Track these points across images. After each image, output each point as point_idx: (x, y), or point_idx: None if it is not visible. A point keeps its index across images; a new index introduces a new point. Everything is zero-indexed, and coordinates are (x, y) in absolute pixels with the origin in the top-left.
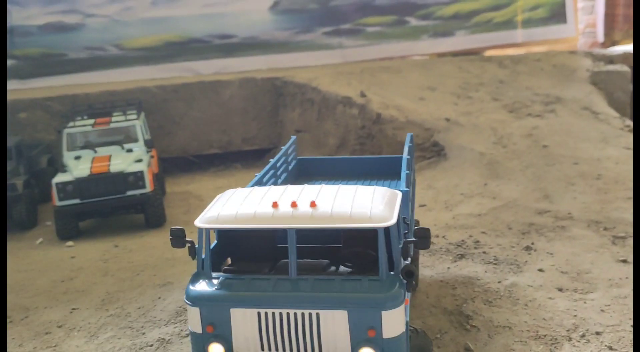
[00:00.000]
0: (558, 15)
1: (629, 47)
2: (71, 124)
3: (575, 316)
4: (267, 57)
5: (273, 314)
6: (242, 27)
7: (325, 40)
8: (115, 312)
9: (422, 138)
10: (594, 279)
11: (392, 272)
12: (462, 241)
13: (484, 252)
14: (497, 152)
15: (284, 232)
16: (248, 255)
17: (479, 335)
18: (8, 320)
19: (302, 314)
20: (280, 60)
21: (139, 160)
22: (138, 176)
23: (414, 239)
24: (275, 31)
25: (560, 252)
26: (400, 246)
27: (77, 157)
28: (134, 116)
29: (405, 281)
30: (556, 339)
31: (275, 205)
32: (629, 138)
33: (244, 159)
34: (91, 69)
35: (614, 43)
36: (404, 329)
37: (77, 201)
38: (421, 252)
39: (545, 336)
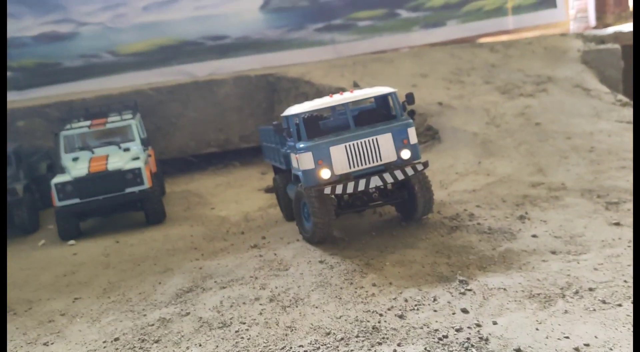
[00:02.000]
0: (547, 0)
1: (619, 27)
2: (68, 126)
3: (568, 275)
4: (260, 56)
5: (354, 144)
6: (234, 27)
7: (317, 36)
8: (117, 299)
9: (416, 123)
10: (587, 242)
11: (402, 115)
12: (457, 214)
13: (478, 224)
14: (490, 131)
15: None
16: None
17: (475, 298)
18: (11, 312)
19: (370, 139)
20: (273, 59)
21: (136, 158)
22: (136, 173)
23: (405, 99)
24: (267, 30)
25: (554, 219)
26: (401, 102)
27: (75, 159)
28: (130, 116)
29: (411, 119)
30: (550, 296)
31: (331, 96)
32: (621, 112)
33: (242, 157)
34: (87, 77)
35: (606, 26)
36: (417, 140)
37: (76, 200)
38: (415, 226)
39: (539, 294)
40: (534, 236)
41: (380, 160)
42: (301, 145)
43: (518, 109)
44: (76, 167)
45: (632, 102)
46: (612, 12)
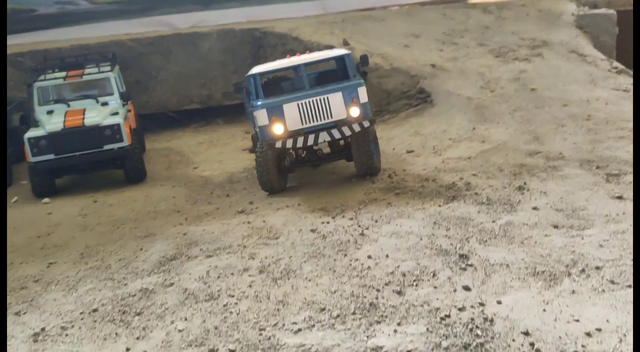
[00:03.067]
0: None
1: None
2: (42, 77)
3: (573, 251)
4: (246, 10)
5: (305, 102)
6: None
7: None
8: (95, 265)
9: (407, 85)
10: (590, 216)
11: (354, 76)
12: (453, 183)
13: (476, 194)
14: (484, 96)
15: (287, 80)
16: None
17: (476, 274)
18: None
19: (320, 98)
20: (259, 13)
21: (115, 113)
22: (114, 129)
23: (359, 60)
24: None
25: (554, 191)
26: (355, 63)
27: (50, 112)
28: (108, 68)
29: (362, 79)
30: (555, 274)
31: (288, 56)
32: (618, 79)
33: (225, 114)
34: (62, 25)
35: None
36: (367, 99)
37: (51, 156)
38: (410, 195)
39: (543, 272)
40: (534, 208)
41: (331, 117)
42: (258, 103)
43: (513, 73)
44: (51, 121)
45: (628, 71)
46: None
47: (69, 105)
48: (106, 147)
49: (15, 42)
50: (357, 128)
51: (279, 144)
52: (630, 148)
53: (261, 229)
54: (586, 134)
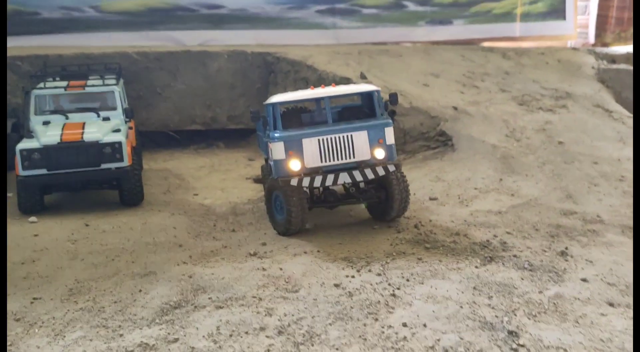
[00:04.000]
0: (558, 11)
1: (631, 48)
2: (41, 84)
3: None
4: (255, 32)
5: (327, 138)
6: None
7: (318, 18)
8: (86, 306)
9: (427, 126)
10: None
11: (382, 115)
12: (487, 241)
13: (515, 256)
14: (510, 145)
15: (307, 112)
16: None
17: None
18: None
19: (344, 135)
20: (269, 37)
21: (117, 130)
22: (115, 148)
23: (388, 98)
24: (267, 5)
25: (600, 260)
26: (383, 101)
27: (46, 123)
28: (113, 81)
29: (391, 118)
30: None
31: (312, 88)
32: None
33: (227, 138)
34: (66, 31)
35: (605, 45)
36: (394, 141)
37: (43, 171)
38: (442, 251)
39: None
40: (583, 279)
41: (353, 157)
42: (275, 134)
43: (538, 123)
44: (47, 133)
45: None
46: (612, 31)
47: (67, 117)
48: (104, 166)
49: (15, 45)
50: (381, 171)
51: (294, 181)
52: None
53: (278, 279)
54: (622, 197)
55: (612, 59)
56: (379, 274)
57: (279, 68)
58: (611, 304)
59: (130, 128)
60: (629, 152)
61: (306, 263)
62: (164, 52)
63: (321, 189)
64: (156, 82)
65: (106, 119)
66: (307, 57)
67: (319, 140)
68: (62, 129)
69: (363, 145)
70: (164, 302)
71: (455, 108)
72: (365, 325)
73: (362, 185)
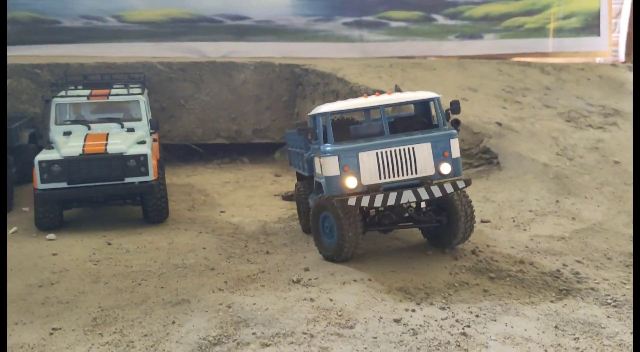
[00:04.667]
0: (592, 26)
1: None
2: (62, 93)
3: None
4: (281, 44)
5: (386, 152)
6: (257, 8)
7: (345, 31)
8: (113, 340)
9: (469, 143)
10: None
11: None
12: (557, 270)
13: (593, 289)
14: (562, 164)
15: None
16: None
17: None
18: None
19: (405, 148)
20: (295, 49)
21: (142, 142)
22: (140, 161)
23: (449, 107)
24: (293, 17)
25: None
26: (445, 109)
27: (67, 133)
28: (138, 90)
29: (455, 129)
30: None
31: (365, 96)
32: None
33: (251, 152)
34: (86, 41)
35: None
36: (459, 153)
37: (63, 184)
38: (509, 282)
39: None
40: None
41: (416, 173)
42: (327, 148)
43: (590, 142)
44: (68, 144)
45: None
46: None
47: (89, 128)
48: (128, 180)
49: (34, 54)
50: (449, 188)
51: (352, 201)
52: None
53: (329, 311)
54: None
55: None
56: (442, 308)
57: (307, 80)
58: None
59: (154, 140)
60: None
61: (358, 293)
62: (188, 63)
63: (378, 209)
64: (180, 94)
65: (130, 130)
66: (337, 70)
67: (377, 153)
68: (85, 139)
69: (426, 159)
70: (202, 337)
71: (499, 124)
72: None
73: (422, 205)
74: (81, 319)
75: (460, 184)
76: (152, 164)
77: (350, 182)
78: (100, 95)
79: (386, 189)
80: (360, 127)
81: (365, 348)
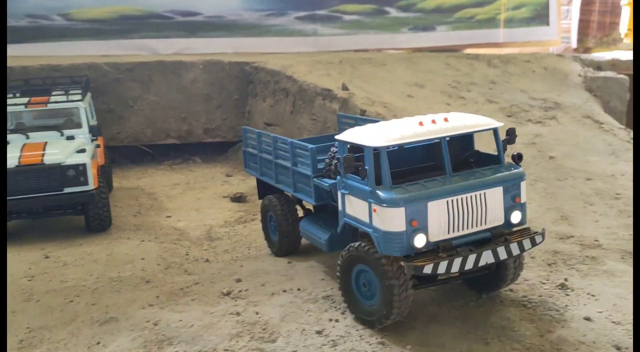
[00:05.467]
0: (541, 16)
1: (615, 54)
2: None
3: None
4: (233, 40)
5: (457, 200)
6: (207, 4)
7: (298, 25)
8: None
9: None
10: None
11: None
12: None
13: (511, 290)
14: None
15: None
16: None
17: None
18: None
19: (477, 195)
20: (248, 45)
21: (82, 151)
22: (79, 170)
23: (506, 136)
24: (245, 12)
25: (603, 293)
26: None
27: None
28: (78, 96)
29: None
30: None
31: (421, 124)
32: None
33: (204, 152)
34: (32, 40)
35: (587, 50)
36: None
37: None
38: (437, 289)
39: None
40: (587, 318)
41: (486, 224)
42: (391, 196)
43: (528, 137)
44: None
45: None
46: (594, 36)
47: (27, 137)
48: (67, 190)
49: None
50: (527, 245)
51: (428, 269)
52: None
53: (254, 326)
54: (618, 217)
55: (598, 65)
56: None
57: (258, 78)
58: (618, 348)
59: (97, 146)
60: (622, 166)
61: (285, 304)
62: (136, 63)
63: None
64: (128, 94)
65: (70, 137)
66: (287, 67)
67: (447, 202)
68: (21, 150)
69: (497, 207)
70: None
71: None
72: None
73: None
74: (9, 340)
75: (538, 239)
76: (91, 173)
77: (419, 241)
78: (40, 103)
79: (457, 246)
80: (398, 154)
81: None
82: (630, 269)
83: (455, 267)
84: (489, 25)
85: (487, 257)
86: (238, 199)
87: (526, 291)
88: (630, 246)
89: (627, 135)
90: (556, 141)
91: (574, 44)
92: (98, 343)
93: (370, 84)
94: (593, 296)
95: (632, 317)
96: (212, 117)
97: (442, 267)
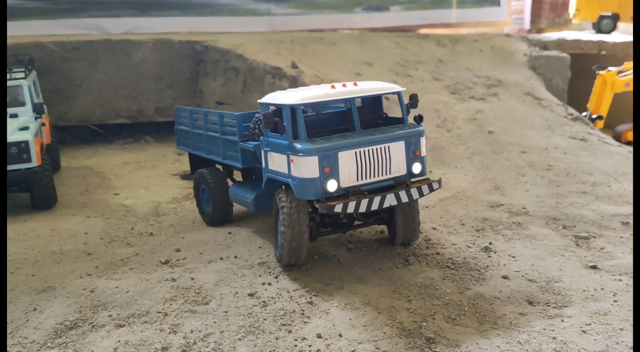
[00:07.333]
0: None
1: (562, 34)
2: None
3: (554, 338)
4: (186, 19)
5: (364, 151)
6: None
7: (251, 4)
8: None
9: None
10: (566, 290)
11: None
12: None
13: (438, 254)
14: (441, 136)
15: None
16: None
17: None
18: None
19: (381, 147)
20: (201, 24)
21: (25, 128)
22: (22, 147)
23: (409, 101)
24: None
25: (523, 255)
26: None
27: None
28: (21, 74)
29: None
30: None
31: (333, 87)
32: (574, 127)
33: (156, 131)
34: None
35: (540, 31)
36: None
37: None
38: (365, 252)
39: None
40: (504, 277)
41: (390, 173)
42: (304, 147)
43: (469, 113)
44: None
45: (583, 119)
46: (547, 17)
47: None
48: (11, 167)
49: None
50: (425, 190)
51: (339, 208)
52: (594, 206)
53: (188, 290)
54: (548, 187)
55: (544, 45)
56: (296, 280)
57: (209, 57)
58: (530, 303)
59: (42, 124)
60: (556, 140)
61: (221, 270)
62: (82, 41)
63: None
64: (75, 74)
65: (14, 116)
66: (238, 46)
67: (355, 153)
68: None
69: (400, 159)
70: (59, 323)
71: (387, 98)
72: (277, 339)
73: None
74: None
75: (435, 186)
76: (34, 150)
77: (332, 185)
78: None
79: (365, 191)
80: (313, 118)
81: (215, 322)
82: (553, 233)
83: (363, 207)
84: (441, 6)
85: (390, 200)
86: (187, 176)
87: (452, 254)
88: (556, 213)
89: (565, 111)
90: (496, 117)
91: (527, 24)
92: (35, 309)
93: (320, 62)
94: (513, 257)
95: (546, 275)
96: (163, 97)
97: (351, 207)
